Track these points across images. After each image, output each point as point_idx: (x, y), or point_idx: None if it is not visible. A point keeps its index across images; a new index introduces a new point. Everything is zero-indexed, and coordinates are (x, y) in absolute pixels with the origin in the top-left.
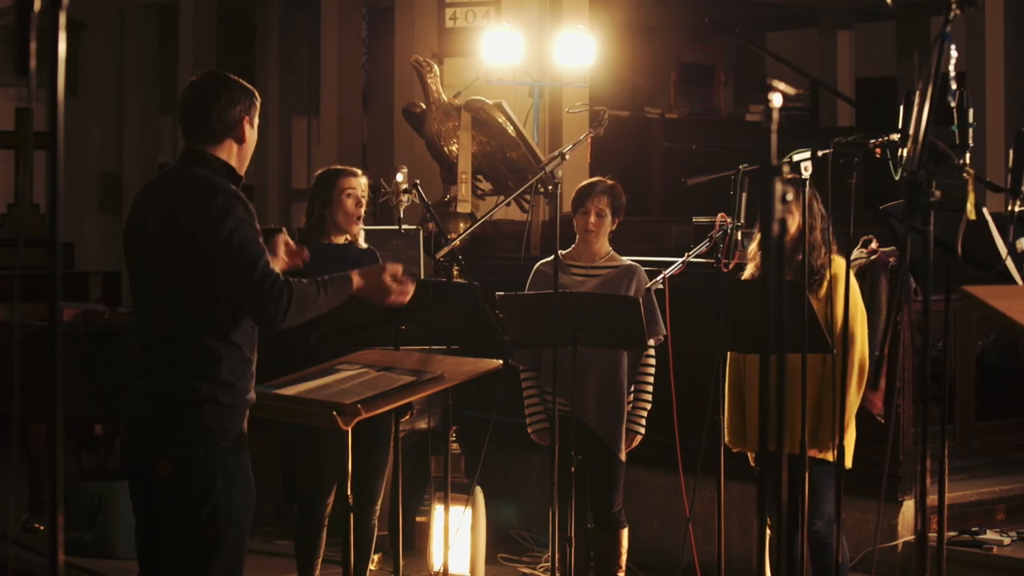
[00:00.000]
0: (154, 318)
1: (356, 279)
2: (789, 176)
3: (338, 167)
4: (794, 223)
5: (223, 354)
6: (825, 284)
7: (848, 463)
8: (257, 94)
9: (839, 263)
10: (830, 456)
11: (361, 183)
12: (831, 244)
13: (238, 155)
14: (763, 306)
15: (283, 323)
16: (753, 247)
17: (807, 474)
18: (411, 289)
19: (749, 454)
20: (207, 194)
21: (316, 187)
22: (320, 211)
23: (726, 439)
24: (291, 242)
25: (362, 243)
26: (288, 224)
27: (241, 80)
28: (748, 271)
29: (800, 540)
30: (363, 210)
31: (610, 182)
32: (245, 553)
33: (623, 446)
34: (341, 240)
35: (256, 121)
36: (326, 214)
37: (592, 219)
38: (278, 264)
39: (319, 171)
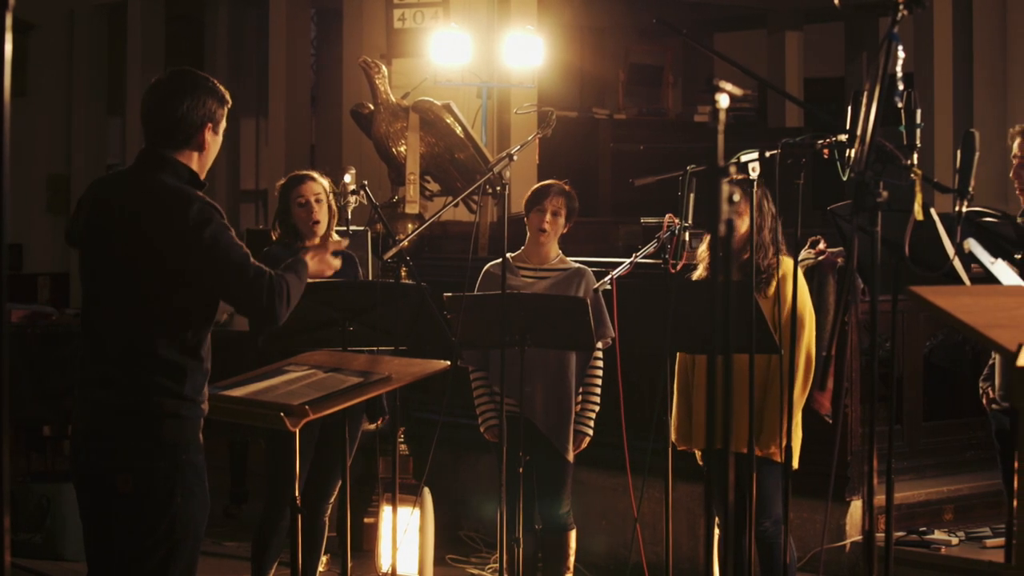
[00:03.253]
0: (116, 328)
1: (311, 263)
2: (739, 176)
3: (293, 174)
4: (744, 223)
5: (187, 368)
6: (773, 284)
7: (795, 463)
8: (228, 98)
9: (788, 263)
10: (776, 455)
11: (312, 188)
12: (780, 244)
13: (199, 161)
14: (711, 306)
15: (285, 315)
16: (703, 248)
17: (754, 474)
18: (337, 266)
19: (696, 452)
20: (181, 205)
21: (278, 196)
22: (284, 219)
23: (672, 437)
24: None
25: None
26: (236, 226)
27: (212, 81)
28: (698, 272)
29: (748, 540)
30: (322, 212)
31: (567, 187)
32: (198, 560)
33: (571, 447)
34: (316, 243)
35: (222, 127)
36: (290, 222)
37: (548, 217)
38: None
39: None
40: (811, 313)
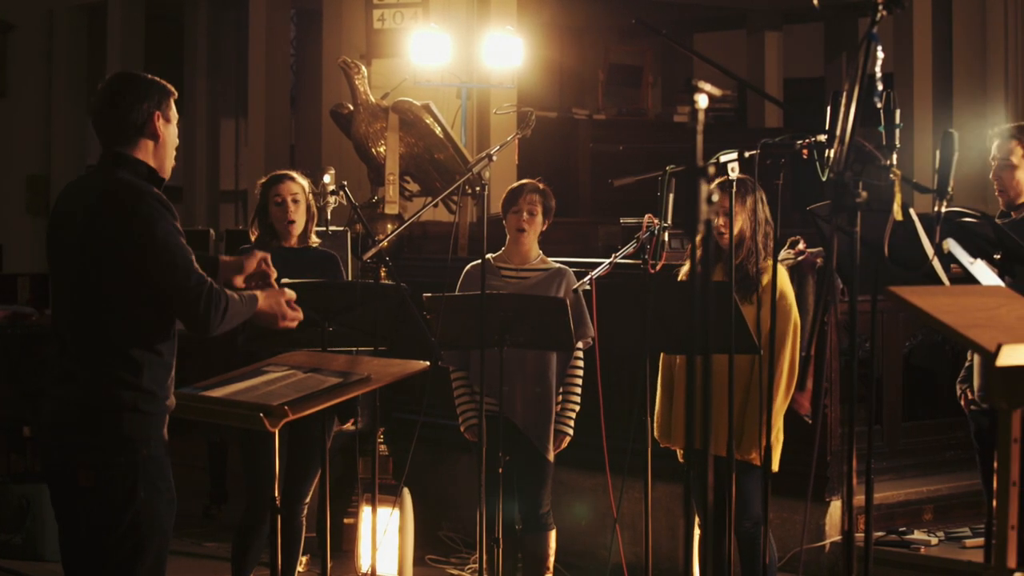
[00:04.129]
0: (75, 323)
1: (261, 299)
2: (727, 178)
3: (273, 173)
4: (736, 225)
5: (145, 362)
6: (761, 288)
7: (775, 467)
8: (170, 88)
9: (779, 271)
10: (756, 460)
11: (290, 188)
12: (770, 249)
13: (156, 154)
14: (690, 307)
15: (219, 328)
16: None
17: (734, 476)
18: (300, 317)
19: (677, 451)
20: (131, 199)
21: (259, 195)
22: (263, 219)
23: (655, 433)
24: (269, 264)
25: (315, 240)
26: (215, 226)
27: (150, 76)
28: (684, 269)
29: (728, 540)
30: (298, 213)
31: (541, 185)
32: (167, 558)
33: (551, 447)
34: (294, 243)
35: (172, 116)
36: (267, 221)
37: (525, 216)
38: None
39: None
40: (796, 322)
